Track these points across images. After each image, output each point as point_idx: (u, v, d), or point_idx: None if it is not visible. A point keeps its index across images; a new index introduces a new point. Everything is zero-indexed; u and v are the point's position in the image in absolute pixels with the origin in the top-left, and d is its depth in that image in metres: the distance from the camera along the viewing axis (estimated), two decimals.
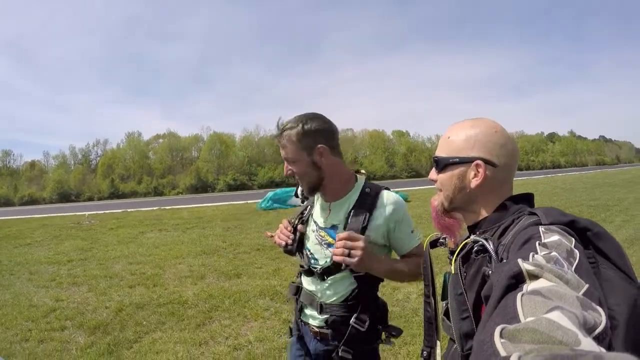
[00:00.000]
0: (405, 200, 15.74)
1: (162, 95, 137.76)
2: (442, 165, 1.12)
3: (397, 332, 1.71)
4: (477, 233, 1.06)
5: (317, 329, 1.72)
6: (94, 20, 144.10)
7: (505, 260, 0.87)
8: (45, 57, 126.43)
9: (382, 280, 1.71)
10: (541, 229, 0.84)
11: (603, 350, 0.43)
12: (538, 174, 47.42)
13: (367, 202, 1.64)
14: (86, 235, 11.66)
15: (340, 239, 1.51)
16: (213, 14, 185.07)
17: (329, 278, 1.67)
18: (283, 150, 1.65)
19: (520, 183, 25.24)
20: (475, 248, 0.98)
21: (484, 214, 1.10)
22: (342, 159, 1.70)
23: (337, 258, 1.51)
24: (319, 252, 1.71)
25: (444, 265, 1.26)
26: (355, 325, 1.61)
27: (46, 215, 20.26)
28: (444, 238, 1.29)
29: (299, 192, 10.80)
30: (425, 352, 1.33)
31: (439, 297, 1.32)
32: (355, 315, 1.63)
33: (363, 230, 1.59)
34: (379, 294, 1.80)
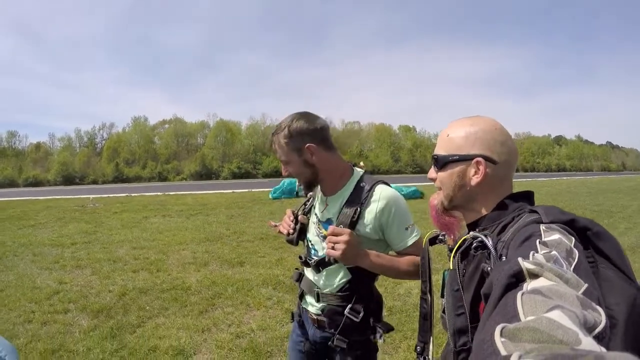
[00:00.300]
0: (420, 196, 15.67)
1: (169, 79, 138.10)
2: (442, 163, 1.11)
3: (388, 328, 1.75)
4: (477, 230, 1.05)
5: (315, 316, 1.77)
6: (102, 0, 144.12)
7: (504, 257, 0.88)
8: (52, 36, 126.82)
9: (378, 274, 1.72)
10: (542, 227, 0.84)
11: (604, 349, 0.43)
12: (543, 176, 47.42)
13: (360, 197, 1.65)
14: (90, 218, 11.71)
15: (328, 234, 1.56)
16: None
17: (323, 269, 1.71)
18: (276, 154, 1.70)
19: (525, 185, 25.22)
20: (475, 244, 0.98)
21: (483, 212, 1.10)
22: (336, 152, 1.71)
23: (326, 252, 1.58)
24: (318, 244, 1.76)
25: (446, 263, 1.24)
26: (350, 316, 1.66)
27: (50, 197, 20.33)
28: (443, 235, 1.29)
29: (297, 183, 10.78)
30: (418, 347, 1.34)
31: (438, 294, 1.31)
32: (349, 305, 1.66)
33: (353, 225, 1.61)
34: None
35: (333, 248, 1.53)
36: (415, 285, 5.26)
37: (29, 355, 3.49)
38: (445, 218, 1.19)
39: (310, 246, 1.80)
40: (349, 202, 1.65)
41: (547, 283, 0.59)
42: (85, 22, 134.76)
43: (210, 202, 15.84)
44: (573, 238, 0.80)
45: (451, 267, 1.06)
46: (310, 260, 1.75)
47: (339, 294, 1.69)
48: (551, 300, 0.53)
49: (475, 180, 1.06)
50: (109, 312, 4.48)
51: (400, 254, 1.66)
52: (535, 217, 0.91)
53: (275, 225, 1.90)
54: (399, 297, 4.93)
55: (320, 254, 1.73)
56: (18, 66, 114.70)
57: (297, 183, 11.73)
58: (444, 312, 1.13)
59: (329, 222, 1.70)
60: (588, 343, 0.43)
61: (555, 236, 0.79)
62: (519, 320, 0.52)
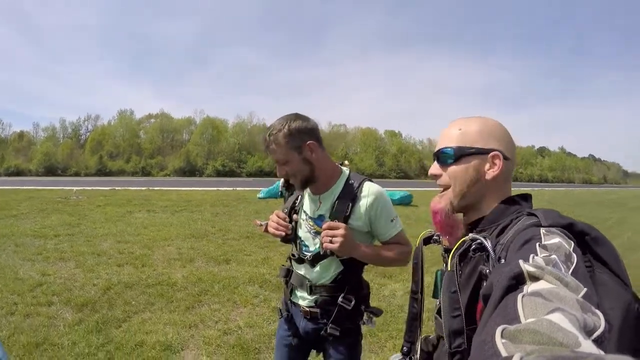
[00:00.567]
0: (409, 202, 15.89)
1: (157, 73, 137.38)
2: (458, 155, 1.08)
3: (378, 312, 1.85)
4: (475, 231, 1.05)
5: (307, 309, 1.84)
6: None
7: (503, 260, 0.88)
8: (43, 24, 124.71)
9: (366, 264, 1.83)
10: (542, 230, 0.84)
11: (602, 352, 0.44)
12: (525, 186, 48.01)
13: (351, 193, 1.75)
14: (73, 210, 11.54)
15: (324, 229, 1.66)
16: None
17: (318, 263, 1.80)
18: (273, 155, 1.73)
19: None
20: (473, 246, 0.98)
21: (487, 212, 1.09)
22: (326, 152, 1.80)
23: (324, 246, 1.66)
24: (309, 240, 1.83)
25: (432, 265, 1.26)
26: (343, 304, 1.75)
27: (32, 187, 19.96)
28: (438, 235, 1.28)
29: (280, 183, 10.85)
30: (405, 348, 1.37)
31: (427, 294, 1.34)
32: (342, 295, 1.76)
33: (346, 219, 1.72)
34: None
35: (331, 242, 1.63)
36: (399, 287, 5.34)
37: (12, 347, 3.42)
38: (454, 219, 1.14)
39: (301, 242, 1.87)
40: (341, 199, 1.76)
41: (547, 286, 0.60)
42: (77, 12, 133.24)
43: (195, 199, 15.75)
44: (572, 242, 0.80)
45: (449, 269, 1.05)
46: (304, 256, 1.82)
47: (332, 284, 1.79)
48: (551, 303, 0.54)
49: (491, 174, 1.06)
50: (93, 305, 4.42)
51: (385, 244, 1.80)
52: (535, 221, 0.91)
53: (261, 225, 1.96)
54: (383, 298, 4.98)
55: (312, 249, 1.82)
56: (4, 53, 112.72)
57: (280, 185, 11.84)
58: (438, 313, 1.13)
59: (320, 218, 1.79)
60: (588, 346, 0.44)
61: (556, 240, 0.79)
62: (519, 322, 0.52)
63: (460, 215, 1.15)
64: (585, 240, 0.85)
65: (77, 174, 52.96)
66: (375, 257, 1.75)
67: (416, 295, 1.33)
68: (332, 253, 1.72)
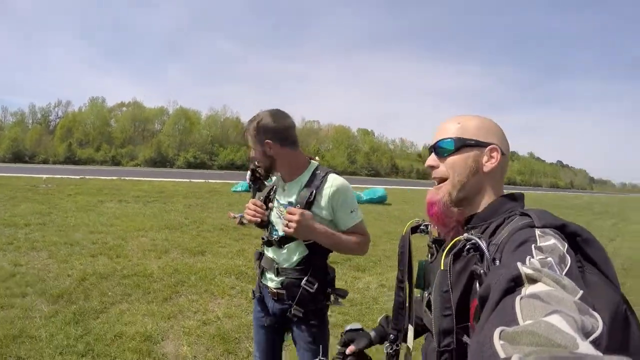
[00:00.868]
0: (383, 201, 16.10)
1: (132, 62, 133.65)
2: (458, 146, 1.09)
3: (344, 293, 2.00)
4: (466, 228, 1.08)
5: (274, 290, 1.98)
6: None
7: (498, 261, 0.89)
8: (15, 7, 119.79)
9: (331, 251, 1.98)
10: (537, 232, 0.85)
11: (600, 354, 0.45)
12: None
13: (316, 182, 1.92)
14: (43, 199, 11.26)
15: (285, 214, 1.84)
16: None
17: (285, 246, 1.95)
18: (246, 140, 1.99)
19: None
20: (468, 246, 0.97)
21: (481, 207, 1.10)
22: (296, 149, 1.98)
23: (282, 229, 1.87)
24: (279, 224, 1.98)
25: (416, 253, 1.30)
26: (306, 287, 1.89)
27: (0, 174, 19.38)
28: (426, 225, 1.30)
29: (247, 176, 10.89)
30: (392, 336, 1.38)
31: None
32: (305, 278, 1.90)
33: (309, 205, 1.88)
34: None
35: (287, 226, 1.80)
36: (373, 280, 5.44)
37: None
38: (450, 212, 1.12)
39: (272, 227, 2.04)
40: (306, 187, 1.92)
41: (545, 288, 0.60)
42: None
43: (167, 190, 15.59)
44: (566, 243, 0.81)
45: (442, 268, 1.02)
46: (272, 238, 1.99)
47: (297, 267, 1.93)
48: (549, 305, 0.54)
49: (489, 166, 1.08)
50: (69, 297, 4.40)
51: (345, 233, 1.93)
52: (528, 221, 0.91)
53: (235, 217, 2.14)
54: (358, 290, 5.08)
55: (281, 233, 1.95)
56: None
57: (247, 178, 11.89)
58: (427, 306, 1.15)
59: (290, 204, 1.94)
60: (586, 348, 0.44)
61: (551, 241, 0.80)
62: (517, 324, 0.53)
63: (454, 210, 1.13)
64: (577, 242, 0.86)
65: (45, 162, 51.43)
66: (333, 242, 1.89)
67: (402, 284, 1.33)
68: (293, 237, 1.88)
